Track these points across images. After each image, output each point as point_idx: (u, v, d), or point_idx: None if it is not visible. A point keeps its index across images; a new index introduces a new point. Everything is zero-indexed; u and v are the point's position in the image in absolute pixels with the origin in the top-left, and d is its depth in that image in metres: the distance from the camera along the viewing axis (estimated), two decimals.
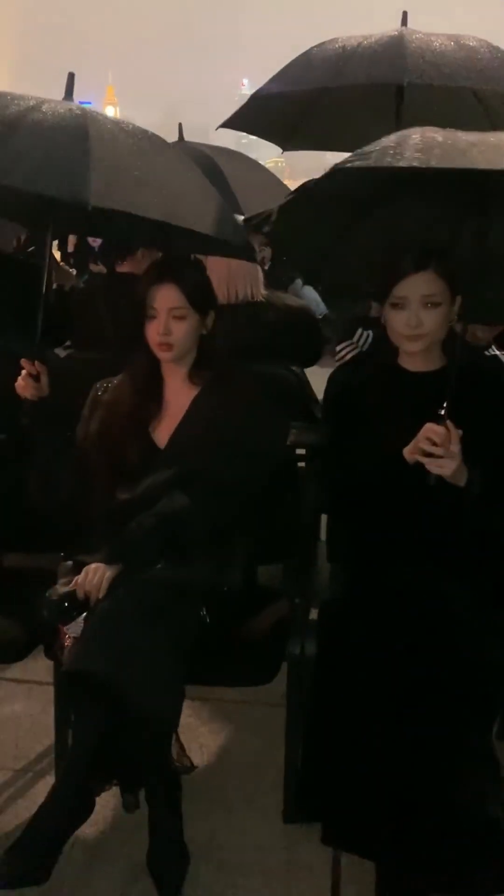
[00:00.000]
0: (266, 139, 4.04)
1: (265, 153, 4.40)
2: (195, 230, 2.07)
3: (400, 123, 3.06)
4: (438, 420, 1.87)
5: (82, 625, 1.87)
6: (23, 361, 2.12)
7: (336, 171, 1.71)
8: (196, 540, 1.97)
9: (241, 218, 3.34)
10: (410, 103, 3.10)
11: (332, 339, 3.09)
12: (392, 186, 1.94)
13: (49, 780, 2.15)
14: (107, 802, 2.05)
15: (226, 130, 3.83)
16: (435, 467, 1.86)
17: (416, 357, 2.06)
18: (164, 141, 2.32)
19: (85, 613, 1.88)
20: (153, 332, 2.08)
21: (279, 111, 3.60)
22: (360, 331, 2.84)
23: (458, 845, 1.69)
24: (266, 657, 2.05)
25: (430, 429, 1.87)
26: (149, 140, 2.14)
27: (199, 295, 2.09)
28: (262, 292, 2.97)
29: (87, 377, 2.30)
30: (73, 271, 4.43)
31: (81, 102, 2.33)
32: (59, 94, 2.23)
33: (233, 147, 5.49)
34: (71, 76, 2.25)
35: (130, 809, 2.01)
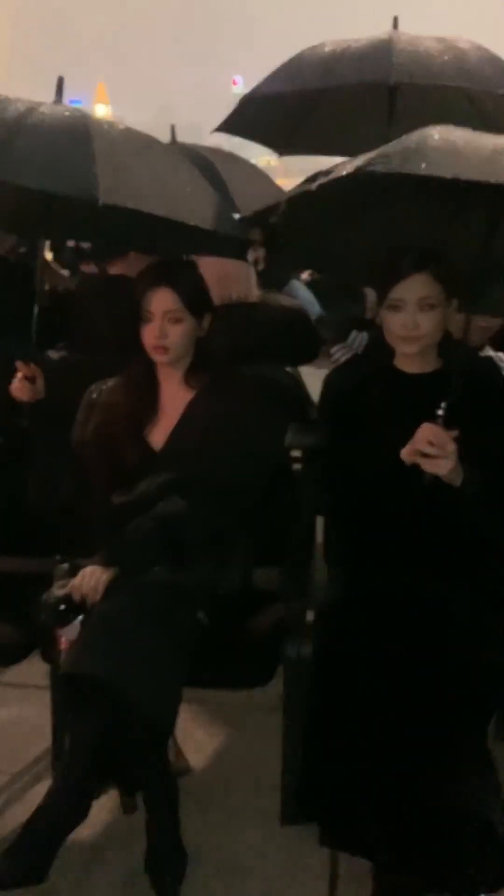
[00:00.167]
0: (262, 144, 4.06)
1: (257, 151, 4.41)
2: (198, 227, 2.09)
3: (392, 125, 3.09)
4: (435, 421, 1.88)
5: (79, 628, 1.88)
6: (18, 364, 2.13)
7: (358, 172, 1.67)
8: (193, 543, 1.98)
9: (237, 216, 3.36)
10: (403, 105, 3.12)
11: (328, 341, 3.10)
12: (396, 186, 1.94)
13: (46, 784, 2.14)
14: (105, 805, 2.07)
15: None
16: (431, 467, 1.88)
17: (413, 359, 2.07)
18: (159, 142, 2.33)
19: (81, 616, 1.88)
20: (149, 336, 2.08)
21: (273, 115, 3.62)
22: (354, 333, 2.86)
23: (453, 845, 1.70)
24: (263, 659, 2.06)
25: (427, 429, 1.88)
26: (145, 141, 2.17)
27: (195, 298, 2.10)
28: (255, 293, 2.98)
29: (81, 379, 2.30)
30: (67, 273, 4.42)
31: (72, 101, 2.34)
32: (49, 91, 2.23)
33: (224, 146, 5.50)
34: (60, 80, 2.26)
35: (128, 812, 2.02)
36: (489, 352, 2.64)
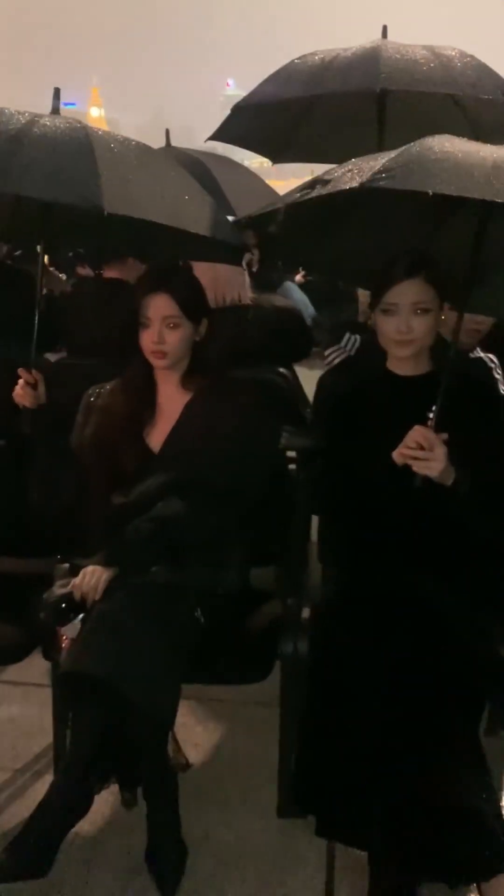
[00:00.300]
0: (256, 152, 4.11)
1: (250, 153, 4.46)
2: (196, 234, 2.11)
3: (383, 131, 3.14)
4: (425, 423, 1.92)
5: (79, 627, 1.90)
6: (20, 371, 2.15)
7: (363, 189, 1.66)
8: (192, 543, 2.00)
9: (232, 219, 3.39)
10: (393, 111, 3.17)
11: (321, 342, 3.14)
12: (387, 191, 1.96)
13: (47, 780, 2.17)
14: (105, 800, 2.09)
15: (209, 132, 3.89)
16: (422, 468, 1.91)
17: (405, 362, 2.10)
18: (156, 150, 2.36)
19: (82, 615, 1.91)
20: (147, 341, 2.11)
21: (265, 123, 3.67)
22: (347, 335, 2.88)
23: (447, 836, 1.73)
24: (260, 656, 2.09)
25: (417, 432, 1.91)
26: (143, 150, 2.19)
27: (193, 304, 2.13)
28: (249, 296, 3.01)
29: (79, 382, 2.33)
30: (63, 276, 4.45)
31: (66, 104, 2.37)
32: (43, 93, 2.26)
33: (218, 148, 5.55)
34: (57, 91, 2.29)
35: (129, 806, 2.04)
36: (479, 353, 2.67)
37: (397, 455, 1.94)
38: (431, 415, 1.93)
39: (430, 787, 1.74)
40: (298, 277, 7.49)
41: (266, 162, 4.29)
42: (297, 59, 3.36)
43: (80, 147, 1.94)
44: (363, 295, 3.03)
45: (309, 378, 3.20)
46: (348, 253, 2.26)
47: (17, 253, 5.10)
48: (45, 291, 3.20)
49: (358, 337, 2.85)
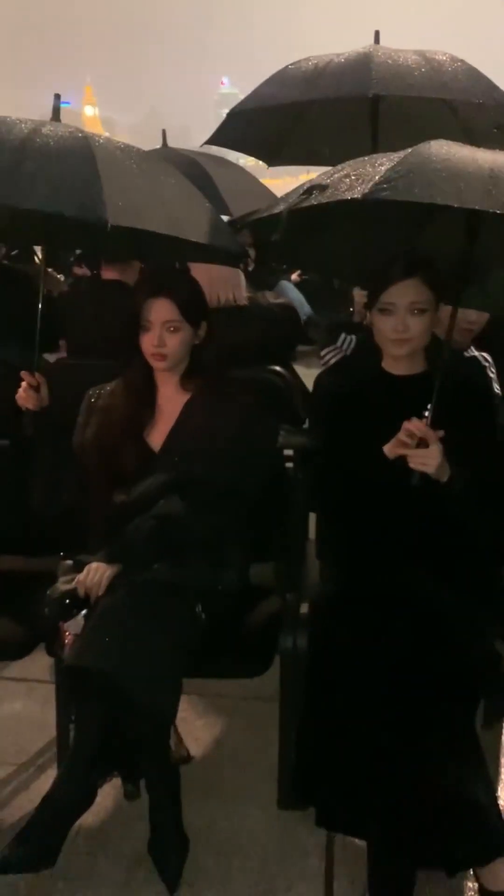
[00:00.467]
0: (252, 155, 4.15)
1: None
2: (198, 242, 2.14)
3: (377, 135, 3.18)
4: (420, 419, 1.95)
5: (82, 622, 1.93)
6: (23, 374, 2.17)
7: (366, 199, 1.66)
8: (192, 541, 2.03)
9: (227, 219, 3.43)
10: (386, 116, 3.21)
11: (317, 342, 3.17)
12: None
13: (51, 775, 2.21)
14: (109, 793, 2.12)
15: (204, 130, 3.93)
16: (418, 464, 1.94)
17: (401, 361, 2.13)
18: (155, 156, 2.39)
19: (85, 611, 1.94)
20: (148, 344, 2.14)
21: (260, 128, 3.71)
22: (343, 335, 2.92)
23: (444, 824, 1.77)
24: (259, 651, 2.12)
25: (412, 423, 1.94)
26: (144, 157, 2.21)
27: (193, 308, 2.16)
28: (244, 296, 3.04)
29: (78, 382, 2.35)
30: (61, 277, 4.48)
31: (61, 103, 2.39)
32: (37, 92, 2.28)
33: (213, 147, 5.60)
34: (57, 96, 2.31)
35: (131, 799, 2.08)
36: (473, 352, 2.71)
37: (389, 448, 1.97)
38: (427, 413, 1.96)
39: (428, 778, 1.77)
40: (294, 276, 7.53)
41: (260, 161, 4.34)
42: (291, 64, 3.41)
43: (83, 158, 1.96)
44: (359, 295, 3.06)
45: (305, 377, 3.24)
46: (343, 252, 2.28)
47: (14, 253, 5.12)
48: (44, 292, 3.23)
49: (354, 337, 2.88)
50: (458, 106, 3.31)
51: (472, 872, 1.92)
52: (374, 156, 1.88)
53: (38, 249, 4.39)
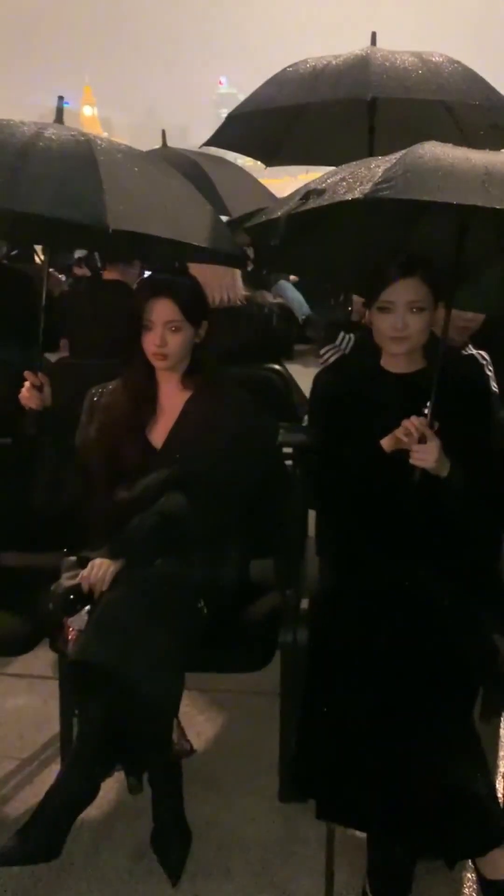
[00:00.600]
0: (250, 156, 4.17)
1: None
2: (197, 245, 2.16)
3: (374, 137, 3.20)
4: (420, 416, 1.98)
5: (86, 618, 1.95)
6: (26, 373, 2.19)
7: (366, 199, 1.67)
8: (193, 537, 2.05)
9: (226, 219, 3.45)
10: (383, 117, 3.23)
11: (316, 341, 3.19)
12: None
13: (53, 769, 2.24)
14: (112, 786, 2.14)
15: (203, 130, 3.95)
16: (418, 460, 1.97)
17: (400, 359, 2.16)
18: (155, 158, 2.40)
19: (88, 607, 1.96)
20: (150, 343, 2.17)
21: (258, 130, 3.73)
22: (342, 334, 2.94)
23: (442, 814, 1.79)
24: (260, 645, 2.14)
25: (411, 420, 1.97)
26: (144, 160, 2.23)
27: (194, 308, 2.18)
28: (241, 295, 3.06)
29: (80, 381, 2.37)
30: (62, 277, 4.50)
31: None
32: (36, 92, 2.29)
33: (211, 147, 5.62)
34: (60, 98, 2.32)
35: (134, 792, 2.09)
36: (471, 350, 2.73)
37: (387, 442, 1.99)
38: (427, 410, 1.98)
39: (426, 770, 1.79)
40: (293, 276, 7.54)
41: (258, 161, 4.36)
42: (289, 67, 3.43)
43: (84, 162, 1.97)
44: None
45: (304, 376, 3.25)
46: (338, 259, 2.29)
47: (14, 253, 5.14)
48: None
49: (352, 336, 2.91)
50: (454, 107, 3.33)
51: (470, 863, 1.95)
52: (368, 159, 1.89)
53: (38, 249, 4.41)
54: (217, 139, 3.83)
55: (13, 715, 2.62)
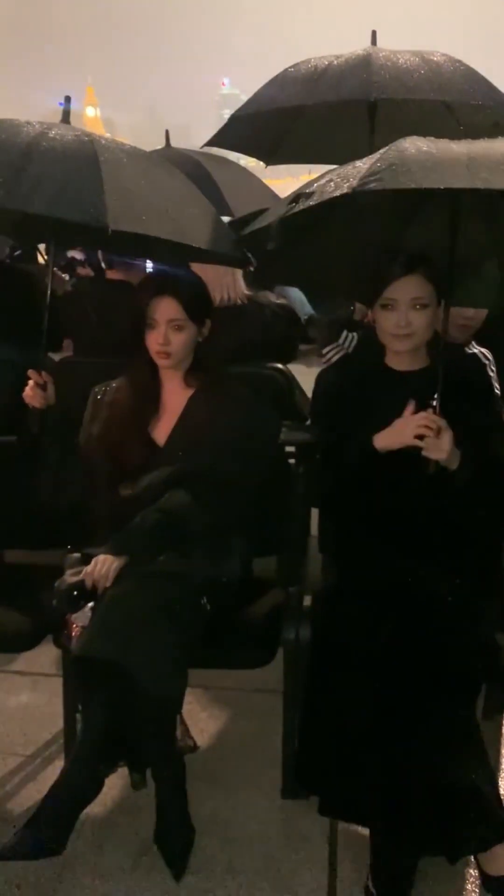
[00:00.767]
0: (250, 155, 4.18)
1: None
2: (199, 247, 2.15)
3: (374, 136, 3.21)
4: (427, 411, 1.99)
5: (89, 614, 1.96)
6: (30, 372, 2.20)
7: (355, 193, 1.69)
8: (196, 533, 2.06)
9: (228, 220, 3.45)
10: (384, 116, 3.24)
11: (319, 341, 3.19)
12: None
13: (58, 765, 2.24)
14: (116, 782, 2.15)
15: (205, 130, 3.97)
16: (432, 452, 1.98)
17: (403, 357, 2.16)
18: (158, 159, 2.40)
19: (92, 603, 1.97)
20: (153, 342, 2.18)
21: (259, 130, 3.74)
22: (345, 333, 2.94)
23: (444, 811, 1.80)
24: (263, 642, 2.15)
25: (426, 415, 1.98)
26: (147, 160, 2.23)
27: (197, 307, 2.19)
28: (242, 295, 3.07)
29: (83, 380, 2.38)
30: (66, 276, 4.51)
31: (60, 104, 2.41)
32: (38, 92, 2.29)
33: (213, 148, 5.63)
34: (67, 100, 2.33)
35: (138, 788, 2.10)
36: (475, 349, 2.73)
37: (392, 440, 2.01)
38: (435, 403, 1.99)
39: (429, 766, 1.80)
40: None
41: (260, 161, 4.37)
42: (291, 67, 3.44)
43: (87, 162, 1.97)
44: None
45: (307, 375, 3.26)
46: (333, 265, 2.29)
47: (17, 253, 5.14)
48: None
49: (355, 334, 2.91)
50: (456, 107, 3.33)
51: (472, 859, 1.96)
52: (357, 161, 1.91)
53: (41, 248, 4.41)
54: (219, 139, 3.84)
55: (17, 712, 2.63)
